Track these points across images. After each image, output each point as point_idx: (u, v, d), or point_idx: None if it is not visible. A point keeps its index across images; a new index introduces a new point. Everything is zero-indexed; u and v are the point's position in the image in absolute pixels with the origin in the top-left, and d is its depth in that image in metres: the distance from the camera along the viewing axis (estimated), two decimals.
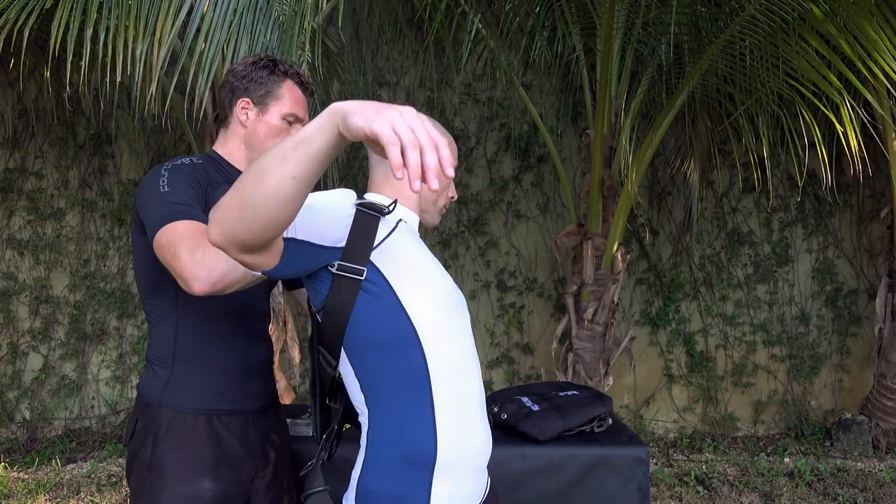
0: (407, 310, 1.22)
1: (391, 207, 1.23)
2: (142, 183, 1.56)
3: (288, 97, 1.69)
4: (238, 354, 1.60)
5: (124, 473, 1.57)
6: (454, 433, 1.24)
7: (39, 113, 4.77)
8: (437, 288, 1.26)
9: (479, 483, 1.32)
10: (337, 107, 0.96)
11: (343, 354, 1.25)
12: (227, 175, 1.67)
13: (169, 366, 1.56)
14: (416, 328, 1.22)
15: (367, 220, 1.20)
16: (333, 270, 1.19)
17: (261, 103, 1.67)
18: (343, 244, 1.18)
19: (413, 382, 1.22)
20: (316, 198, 1.19)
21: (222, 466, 1.54)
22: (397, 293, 1.22)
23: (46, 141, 4.84)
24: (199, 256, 1.37)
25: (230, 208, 1.02)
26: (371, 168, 1.42)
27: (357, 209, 1.20)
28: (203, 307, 1.56)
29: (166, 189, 1.50)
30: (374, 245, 1.21)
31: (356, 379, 1.25)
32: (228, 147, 1.70)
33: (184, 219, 1.43)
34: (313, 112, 3.17)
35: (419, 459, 1.22)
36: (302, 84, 1.72)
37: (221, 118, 1.72)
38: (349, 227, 1.18)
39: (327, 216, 1.17)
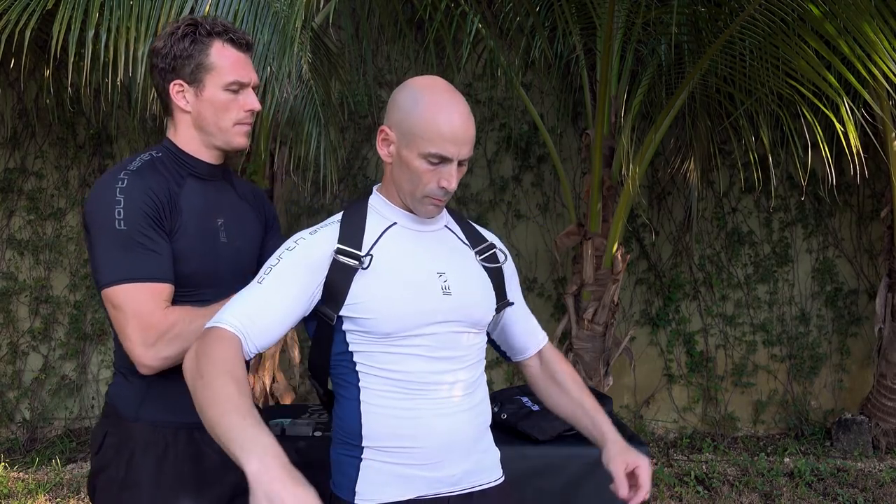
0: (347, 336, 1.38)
1: (366, 262, 1.35)
2: (93, 197, 1.39)
3: (222, 62, 1.48)
4: None
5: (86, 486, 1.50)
6: (384, 418, 1.35)
7: (39, 113, 4.77)
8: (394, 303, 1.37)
9: (456, 467, 1.39)
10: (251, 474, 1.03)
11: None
12: (189, 168, 1.51)
13: (145, 377, 1.43)
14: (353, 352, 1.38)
15: (343, 268, 1.34)
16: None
17: (195, 80, 1.47)
18: (320, 296, 1.35)
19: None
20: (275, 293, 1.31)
21: (203, 483, 1.45)
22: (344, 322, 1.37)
23: (46, 141, 4.84)
24: (150, 342, 1.34)
25: (188, 371, 1.20)
26: (384, 167, 1.44)
27: (334, 259, 1.34)
28: None
29: (122, 227, 1.35)
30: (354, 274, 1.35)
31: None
32: (182, 136, 1.52)
33: (138, 279, 1.34)
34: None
35: (351, 435, 1.38)
36: (233, 41, 1.50)
37: (163, 106, 1.54)
38: (323, 283, 1.35)
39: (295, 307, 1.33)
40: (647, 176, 5.00)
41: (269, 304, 1.29)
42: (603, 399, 2.21)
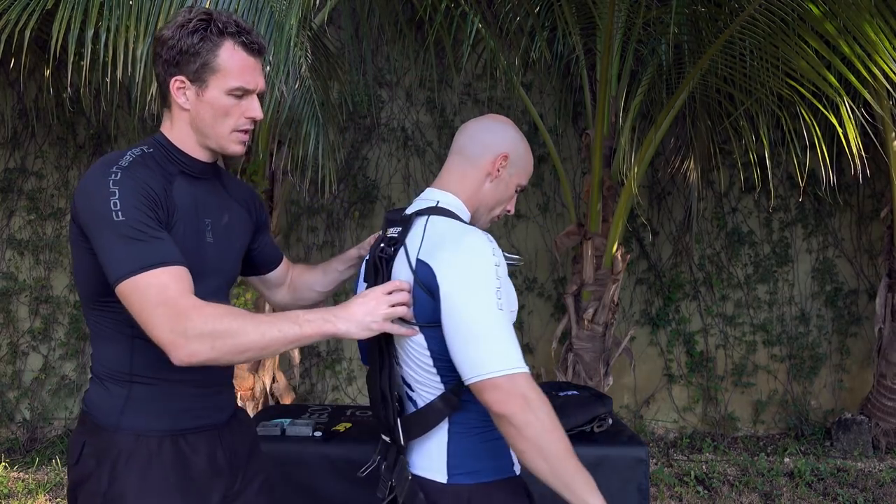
0: None
1: None
2: (85, 192, 1.31)
3: (229, 66, 1.40)
4: (203, 366, 1.38)
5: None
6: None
7: (39, 113, 4.77)
8: None
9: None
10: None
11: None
12: (181, 165, 1.44)
13: (126, 384, 1.38)
14: None
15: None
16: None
17: (198, 79, 1.39)
18: None
19: None
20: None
21: (190, 492, 1.40)
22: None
23: (46, 141, 4.84)
24: (182, 330, 1.23)
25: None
26: (450, 164, 1.54)
27: None
28: None
29: (121, 218, 1.27)
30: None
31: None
32: (177, 132, 1.45)
33: (152, 266, 1.26)
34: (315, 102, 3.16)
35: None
36: (246, 44, 1.41)
37: (161, 97, 1.46)
38: None
39: None
40: (647, 176, 4.99)
41: None
42: (603, 399, 2.21)
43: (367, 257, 1.55)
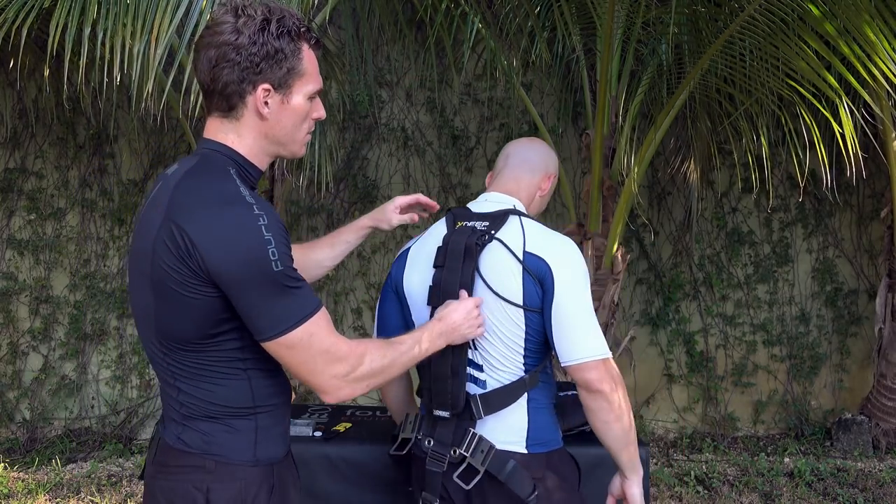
0: None
1: None
2: (234, 242, 1.20)
3: (310, 68, 1.34)
4: (288, 384, 1.45)
5: None
6: None
7: (39, 113, 4.77)
8: None
9: None
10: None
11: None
12: (251, 180, 1.35)
13: (252, 416, 1.34)
14: None
15: None
16: None
17: (283, 86, 1.31)
18: None
19: None
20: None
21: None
22: None
23: (46, 141, 4.84)
24: (343, 373, 1.28)
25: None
26: (516, 173, 1.74)
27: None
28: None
29: (279, 268, 1.21)
30: None
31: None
32: (249, 144, 1.34)
33: (311, 314, 1.25)
34: None
35: None
36: (316, 42, 1.36)
37: (220, 105, 1.32)
38: None
39: None
40: (647, 176, 4.99)
41: None
42: None
43: (441, 244, 1.64)
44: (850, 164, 3.33)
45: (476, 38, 4.06)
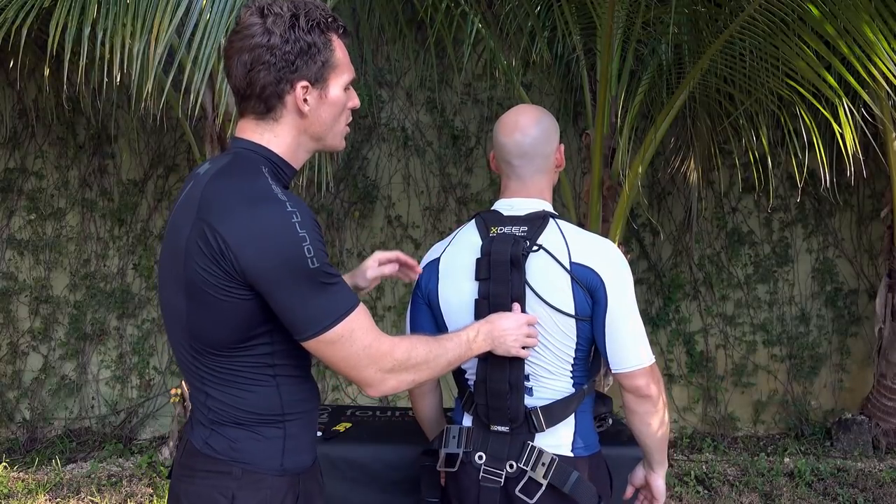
0: None
1: None
2: (275, 243, 1.18)
3: (343, 58, 1.32)
4: (316, 391, 1.43)
5: None
6: None
7: (39, 113, 4.76)
8: None
9: None
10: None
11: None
12: (286, 179, 1.35)
13: (280, 424, 1.32)
14: None
15: None
16: None
17: (320, 80, 1.29)
18: None
19: None
20: None
21: None
22: None
23: (46, 141, 4.84)
24: (387, 368, 1.27)
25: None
26: (526, 171, 1.65)
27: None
28: (297, 351, 1.31)
29: (315, 265, 1.19)
30: None
31: None
32: (284, 142, 1.32)
33: (350, 310, 1.23)
34: None
35: None
36: (344, 32, 1.34)
37: (257, 108, 1.29)
38: None
39: None
40: (647, 176, 4.99)
41: None
42: (603, 399, 2.21)
43: (479, 255, 1.58)
44: (850, 164, 3.33)
45: (476, 38, 4.06)
